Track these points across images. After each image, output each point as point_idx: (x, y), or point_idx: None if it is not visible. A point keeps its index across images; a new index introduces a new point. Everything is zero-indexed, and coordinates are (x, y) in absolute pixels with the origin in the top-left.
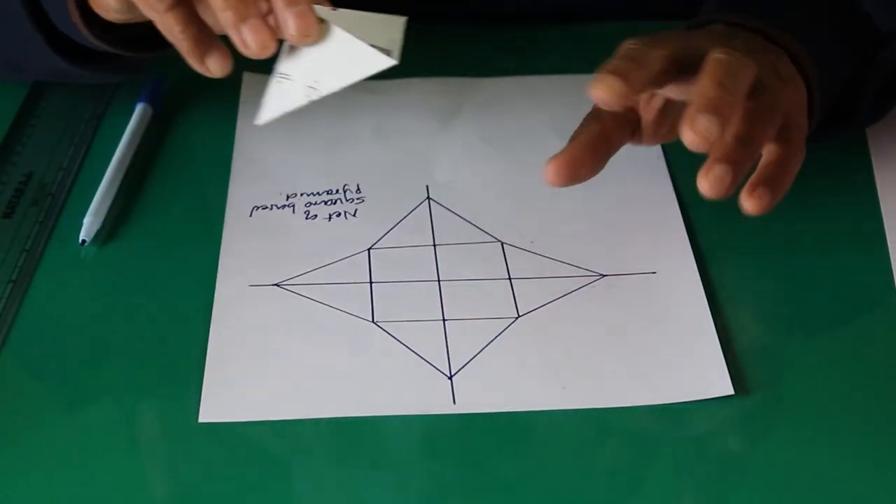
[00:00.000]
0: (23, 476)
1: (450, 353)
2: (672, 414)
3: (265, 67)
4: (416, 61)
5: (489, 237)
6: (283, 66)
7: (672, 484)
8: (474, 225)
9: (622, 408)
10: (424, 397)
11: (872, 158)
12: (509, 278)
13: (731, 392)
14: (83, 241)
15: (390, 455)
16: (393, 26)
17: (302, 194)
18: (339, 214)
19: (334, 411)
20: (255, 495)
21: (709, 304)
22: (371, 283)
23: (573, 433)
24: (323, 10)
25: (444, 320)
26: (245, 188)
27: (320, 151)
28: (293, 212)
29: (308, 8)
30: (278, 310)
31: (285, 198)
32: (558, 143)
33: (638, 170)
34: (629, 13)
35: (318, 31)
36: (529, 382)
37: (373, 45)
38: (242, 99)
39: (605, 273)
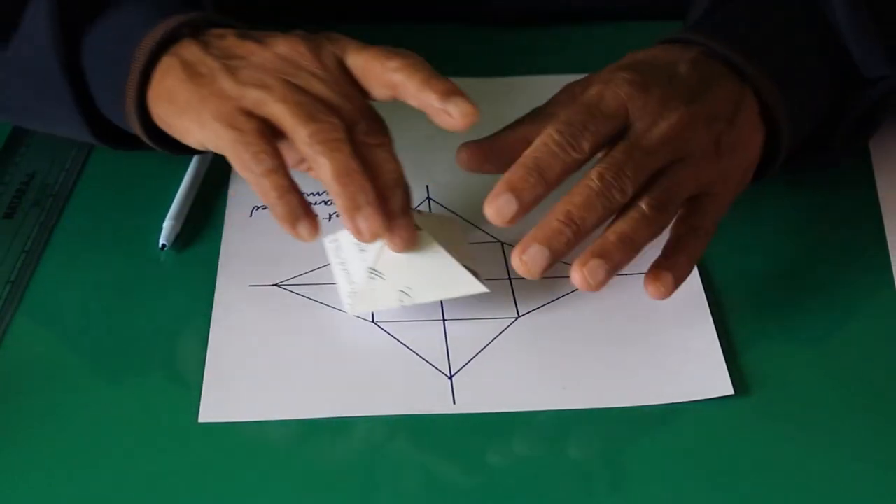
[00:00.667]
0: (22, 476)
1: (450, 353)
2: (672, 414)
3: None
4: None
5: (489, 237)
6: (377, 262)
7: (672, 484)
8: (474, 225)
9: (622, 408)
10: (424, 397)
11: (872, 159)
12: (509, 278)
13: (731, 392)
14: (163, 245)
15: (390, 455)
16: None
17: (302, 194)
18: (339, 214)
19: (334, 411)
20: (255, 495)
21: (709, 304)
22: None
23: (573, 433)
24: (417, 216)
25: (444, 320)
26: (245, 188)
27: None
28: None
29: (411, 222)
30: (278, 310)
31: None
32: None
33: None
34: (629, 15)
35: (416, 241)
36: (529, 382)
37: (465, 267)
38: None
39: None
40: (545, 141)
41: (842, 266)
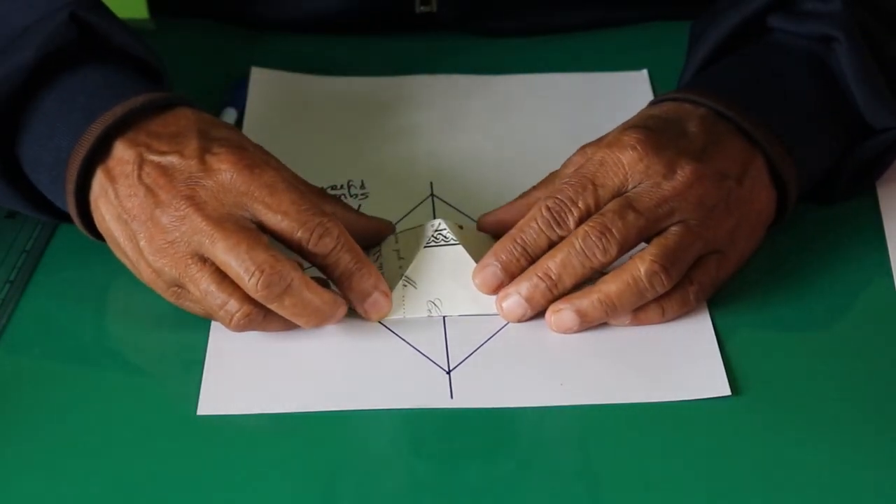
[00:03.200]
0: (22, 473)
1: (448, 348)
2: (669, 412)
3: (272, 62)
4: (423, 59)
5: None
6: (413, 270)
7: (668, 483)
8: (475, 222)
9: (618, 405)
10: (422, 391)
11: None
12: None
13: (728, 392)
14: None
15: (388, 448)
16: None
17: None
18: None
19: (333, 405)
20: (253, 488)
21: (707, 303)
22: None
23: (570, 429)
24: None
25: (443, 315)
26: None
27: (325, 147)
28: None
29: (382, 295)
30: None
31: None
32: (564, 142)
33: None
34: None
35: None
36: (527, 378)
37: None
38: (250, 94)
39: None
40: (534, 216)
41: (841, 266)
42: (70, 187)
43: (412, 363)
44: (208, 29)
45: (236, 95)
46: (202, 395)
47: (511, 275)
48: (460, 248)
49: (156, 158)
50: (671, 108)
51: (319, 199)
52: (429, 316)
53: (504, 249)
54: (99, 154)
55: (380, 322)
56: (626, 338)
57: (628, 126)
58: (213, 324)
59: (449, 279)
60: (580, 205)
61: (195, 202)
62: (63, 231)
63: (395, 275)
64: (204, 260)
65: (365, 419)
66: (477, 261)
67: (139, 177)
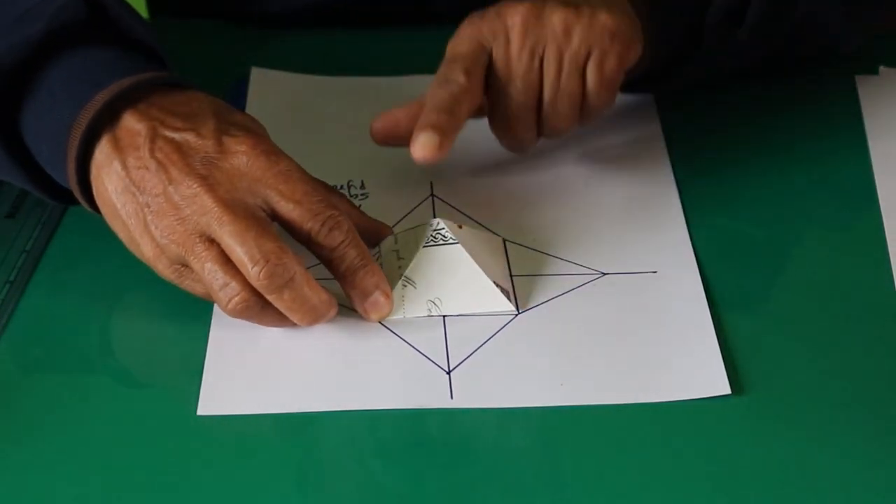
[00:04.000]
0: (22, 473)
1: (449, 348)
2: (669, 412)
3: (273, 63)
4: (422, 58)
5: (491, 234)
6: (412, 270)
7: (668, 482)
8: (477, 222)
9: (619, 405)
10: (422, 392)
11: (872, 159)
12: (510, 275)
13: (729, 391)
14: None
15: (388, 448)
16: (499, 248)
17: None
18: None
19: (332, 405)
20: (252, 487)
21: (708, 303)
22: None
23: (570, 430)
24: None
25: (443, 316)
26: None
27: (325, 147)
28: None
29: (383, 296)
30: None
31: None
32: (563, 141)
33: (641, 170)
34: None
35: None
36: (528, 379)
37: (496, 284)
38: (250, 94)
39: (605, 271)
40: (430, 93)
41: (841, 266)
42: (72, 153)
43: (412, 363)
44: (208, 29)
45: (236, 95)
46: (202, 395)
47: (444, 131)
48: (460, 247)
49: (170, 134)
50: None
51: (329, 193)
52: (429, 316)
53: (426, 118)
54: (105, 123)
55: (380, 322)
56: (626, 338)
57: None
58: (213, 324)
59: (449, 279)
60: (460, 65)
61: (208, 182)
62: (63, 231)
63: (395, 275)
64: (211, 241)
65: (365, 419)
66: (477, 261)
67: (151, 150)
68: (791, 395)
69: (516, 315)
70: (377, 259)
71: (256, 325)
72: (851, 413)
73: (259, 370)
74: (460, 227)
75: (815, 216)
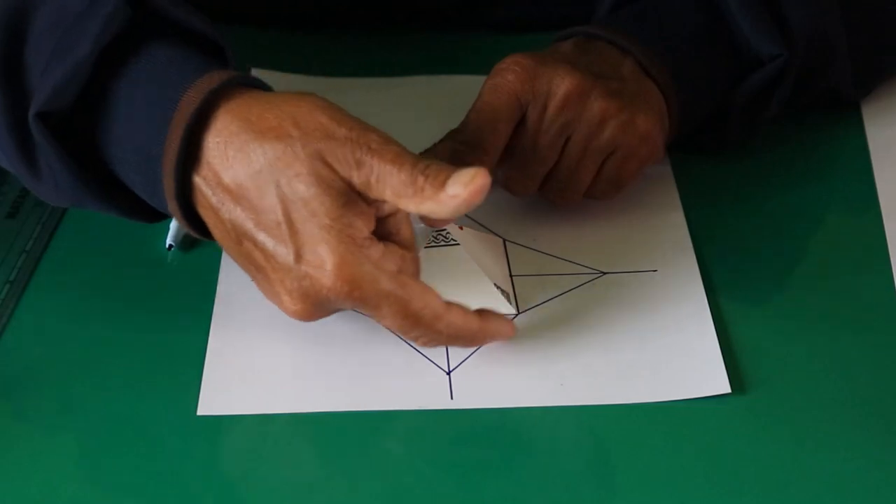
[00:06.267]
0: (23, 474)
1: (448, 348)
2: (669, 412)
3: (273, 63)
4: (419, 59)
5: (491, 234)
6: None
7: (668, 482)
8: (476, 221)
9: (619, 405)
10: (422, 392)
11: (872, 159)
12: (510, 275)
13: (728, 391)
14: (170, 245)
15: (388, 449)
16: (500, 249)
17: None
18: None
19: (333, 406)
20: (252, 488)
21: (708, 303)
22: None
23: (570, 430)
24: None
25: None
26: None
27: None
28: None
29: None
30: None
31: None
32: None
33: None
34: None
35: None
36: (528, 379)
37: (496, 286)
38: None
39: (605, 271)
40: (451, 155)
41: (841, 266)
42: (168, 182)
43: (412, 364)
44: None
45: None
46: (202, 395)
47: None
48: (460, 248)
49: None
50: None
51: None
52: None
53: None
54: (190, 161)
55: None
56: (627, 337)
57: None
58: (213, 324)
59: (449, 280)
60: (486, 129)
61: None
62: (63, 231)
63: None
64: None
65: (365, 420)
66: (477, 261)
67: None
68: (791, 395)
69: (516, 315)
70: None
71: (256, 326)
72: (851, 413)
73: (259, 370)
74: (461, 228)
75: (815, 216)
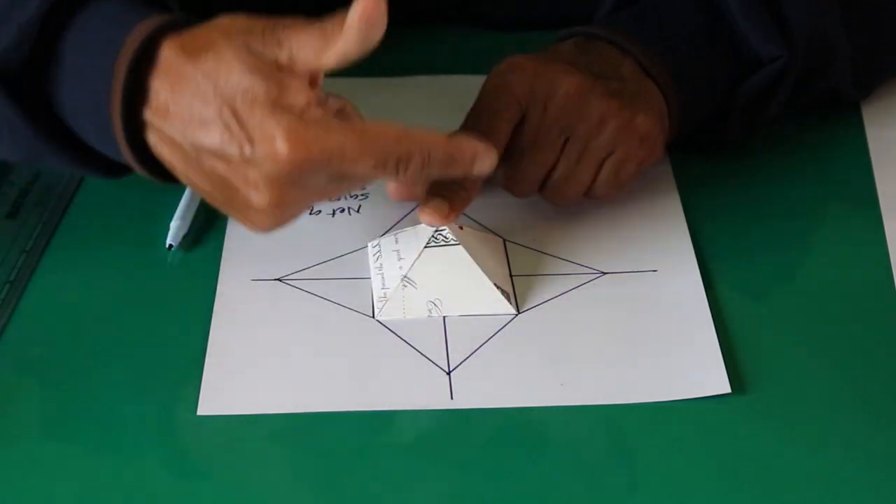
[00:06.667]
0: (22, 474)
1: (449, 348)
2: (669, 412)
3: None
4: (422, 59)
5: (491, 233)
6: (412, 271)
7: (668, 482)
8: (477, 222)
9: (619, 405)
10: (422, 392)
11: (872, 159)
12: (510, 275)
13: (729, 391)
14: (171, 245)
15: (388, 449)
16: (500, 249)
17: None
18: (342, 210)
19: (333, 406)
20: (252, 488)
21: (708, 302)
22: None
23: (570, 430)
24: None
25: (443, 316)
26: None
27: None
28: None
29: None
30: (280, 304)
31: None
32: None
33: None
34: None
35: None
36: (528, 379)
37: (497, 286)
38: None
39: (606, 271)
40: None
41: (841, 265)
42: (116, 118)
43: (412, 364)
44: None
45: None
46: (202, 395)
47: (453, 201)
48: (460, 248)
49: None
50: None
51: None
52: (429, 316)
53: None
54: (138, 101)
55: (380, 322)
56: (627, 337)
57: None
58: (214, 324)
59: (449, 280)
60: (486, 131)
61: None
62: (63, 231)
63: (396, 275)
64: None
65: (365, 420)
66: (478, 262)
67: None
68: (791, 395)
69: (516, 315)
70: (377, 259)
71: (256, 326)
72: (851, 412)
73: (259, 370)
74: (461, 228)
75: (815, 216)
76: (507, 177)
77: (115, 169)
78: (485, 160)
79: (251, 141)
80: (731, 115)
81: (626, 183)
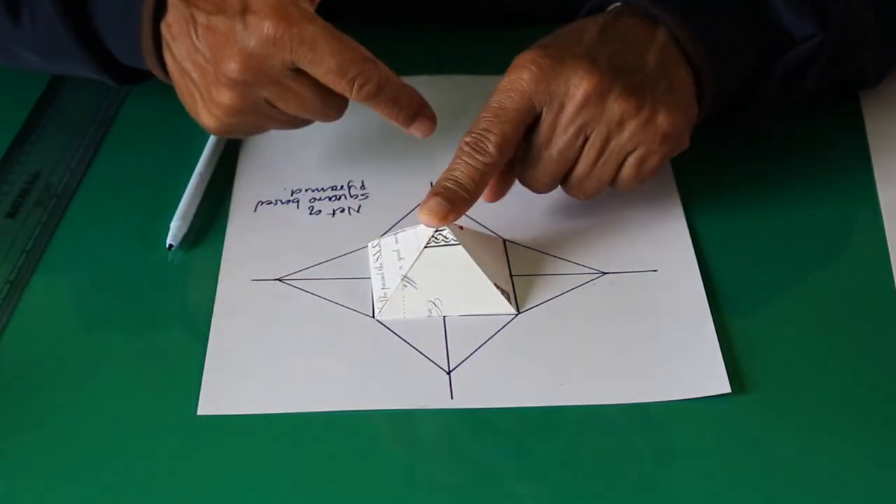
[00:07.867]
0: (22, 474)
1: (449, 348)
2: (669, 411)
3: None
4: (422, 59)
5: (491, 233)
6: (412, 270)
7: (668, 481)
8: (477, 222)
9: (619, 405)
10: (422, 391)
11: (873, 159)
12: (510, 275)
13: (729, 390)
14: (171, 245)
15: (388, 449)
16: (500, 249)
17: (306, 190)
18: (342, 210)
19: (333, 405)
20: (253, 488)
21: (708, 302)
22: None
23: (570, 430)
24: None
25: (443, 316)
26: (250, 183)
27: (326, 148)
28: (297, 207)
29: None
30: (280, 304)
31: (290, 193)
32: None
33: None
34: None
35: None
36: (527, 379)
37: (497, 286)
38: None
39: (606, 270)
40: (458, 153)
41: (841, 266)
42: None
43: (412, 364)
44: None
45: None
46: (202, 395)
47: (456, 207)
48: (460, 248)
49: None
50: (576, 23)
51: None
52: (429, 316)
53: (442, 188)
54: (159, 13)
55: (380, 322)
56: (627, 337)
57: (531, 48)
58: (213, 324)
59: (450, 280)
60: (495, 131)
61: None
62: (63, 231)
63: (396, 275)
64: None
65: (365, 419)
66: (478, 262)
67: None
68: (791, 395)
69: (516, 315)
70: (377, 259)
71: (256, 326)
72: (852, 412)
73: (259, 370)
74: (461, 228)
75: (815, 216)
76: (527, 175)
77: (125, 76)
78: (420, 124)
79: (246, 7)
80: (760, 94)
81: (649, 177)
